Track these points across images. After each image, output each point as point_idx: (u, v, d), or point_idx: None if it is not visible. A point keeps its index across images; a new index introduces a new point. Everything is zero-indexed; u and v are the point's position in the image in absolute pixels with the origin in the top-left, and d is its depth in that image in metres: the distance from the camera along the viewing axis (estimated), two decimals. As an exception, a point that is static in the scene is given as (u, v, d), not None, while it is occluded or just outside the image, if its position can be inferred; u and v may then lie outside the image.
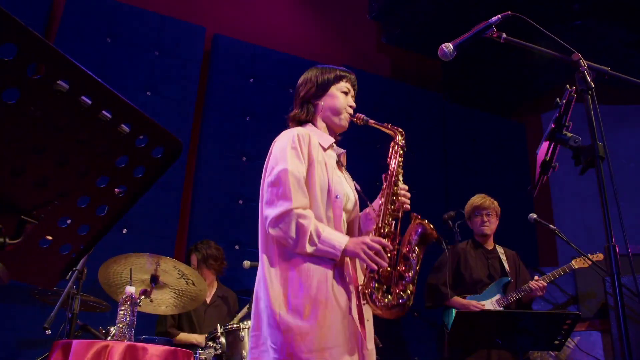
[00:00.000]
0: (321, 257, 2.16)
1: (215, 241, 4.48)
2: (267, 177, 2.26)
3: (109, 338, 3.08)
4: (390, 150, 2.45)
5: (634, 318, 4.05)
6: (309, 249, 2.12)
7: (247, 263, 4.15)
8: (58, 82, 0.92)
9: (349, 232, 2.40)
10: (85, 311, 3.62)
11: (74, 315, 3.06)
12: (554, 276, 4.31)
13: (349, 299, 2.19)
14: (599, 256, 4.26)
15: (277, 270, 2.18)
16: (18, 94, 0.90)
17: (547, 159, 1.78)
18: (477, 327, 3.23)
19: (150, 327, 4.19)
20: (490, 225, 4.39)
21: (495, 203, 4.46)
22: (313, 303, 2.09)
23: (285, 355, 2.05)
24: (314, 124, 2.47)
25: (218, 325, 3.56)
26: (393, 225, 2.30)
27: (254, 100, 5.60)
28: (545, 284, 4.17)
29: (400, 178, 2.40)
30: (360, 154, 5.17)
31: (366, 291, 2.20)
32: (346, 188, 2.39)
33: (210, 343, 3.51)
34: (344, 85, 2.51)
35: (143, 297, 3.26)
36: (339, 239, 2.16)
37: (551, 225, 4.17)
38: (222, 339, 3.48)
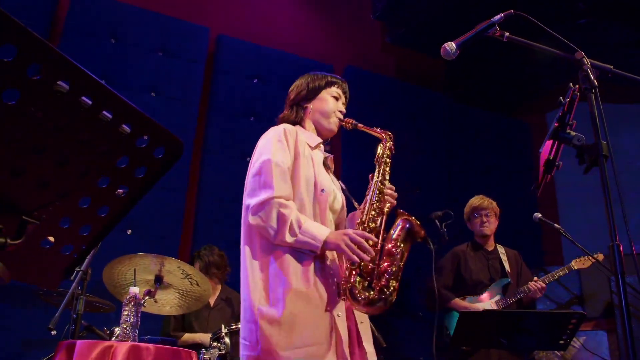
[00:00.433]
0: (303, 251, 2.12)
1: (219, 242, 4.46)
2: (251, 169, 2.25)
3: (113, 339, 3.09)
4: (379, 152, 2.45)
5: (638, 317, 4.03)
6: (289, 239, 2.08)
7: None
8: (58, 82, 0.93)
9: None
10: (90, 312, 3.62)
11: (79, 315, 3.07)
12: (553, 277, 4.30)
13: (332, 294, 2.13)
14: (599, 256, 4.23)
15: (258, 263, 2.14)
16: (18, 94, 0.90)
17: (551, 158, 1.78)
18: (482, 327, 3.22)
19: (154, 327, 4.19)
20: (490, 225, 4.39)
21: (494, 203, 4.44)
22: (293, 298, 2.04)
23: (260, 351, 2.00)
24: (303, 126, 2.48)
25: (222, 325, 3.55)
26: (379, 221, 2.26)
27: (258, 100, 5.60)
28: (544, 285, 4.16)
29: (388, 178, 2.38)
30: (357, 155, 5.16)
31: (347, 286, 2.12)
32: (333, 187, 2.37)
33: (215, 343, 3.51)
34: (334, 90, 2.52)
35: (147, 297, 3.27)
36: (320, 230, 2.11)
37: (555, 225, 4.14)
38: (227, 339, 3.48)
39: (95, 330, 3.32)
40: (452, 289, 4.33)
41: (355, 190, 2.59)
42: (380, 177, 2.36)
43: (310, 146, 2.35)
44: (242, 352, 2.09)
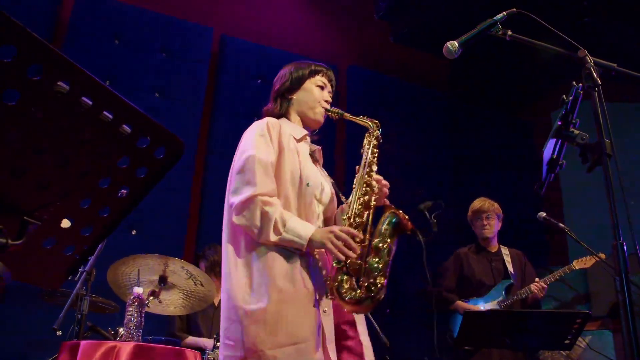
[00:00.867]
0: (288, 248, 2.08)
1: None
2: (234, 165, 2.20)
3: (117, 339, 3.10)
4: (364, 141, 2.37)
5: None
6: (273, 237, 2.03)
7: None
8: (58, 83, 0.93)
9: None
10: (95, 312, 3.63)
11: (83, 316, 3.07)
12: (554, 277, 4.29)
13: (318, 290, 2.09)
14: (601, 255, 4.21)
15: (242, 261, 2.10)
16: (18, 95, 0.90)
17: (554, 157, 1.77)
18: (486, 327, 3.21)
19: (159, 328, 4.20)
20: (491, 227, 4.40)
21: (496, 205, 4.44)
22: (278, 296, 2.00)
23: (245, 351, 1.96)
24: (288, 118, 2.42)
25: (227, 326, 3.55)
26: (365, 216, 2.18)
27: (262, 101, 5.58)
28: (545, 285, 4.17)
29: (374, 169, 2.30)
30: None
31: (334, 284, 2.07)
32: (321, 179, 2.30)
33: (219, 344, 3.51)
34: (319, 79, 2.46)
35: (151, 297, 3.27)
36: (305, 228, 2.06)
37: (560, 224, 4.13)
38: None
39: (99, 330, 3.32)
40: (456, 291, 4.34)
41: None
42: (366, 169, 2.28)
43: (295, 139, 2.30)
44: (224, 352, 2.03)
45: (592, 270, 4.84)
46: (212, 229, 5.02)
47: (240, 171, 2.12)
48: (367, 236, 2.15)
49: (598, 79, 1.68)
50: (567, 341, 3.22)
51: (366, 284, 2.06)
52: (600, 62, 1.75)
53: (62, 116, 0.96)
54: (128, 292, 3.37)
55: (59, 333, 3.01)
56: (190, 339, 4.08)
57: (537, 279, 4.21)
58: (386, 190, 2.28)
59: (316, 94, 2.42)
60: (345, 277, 2.07)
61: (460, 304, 4.23)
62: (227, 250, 2.17)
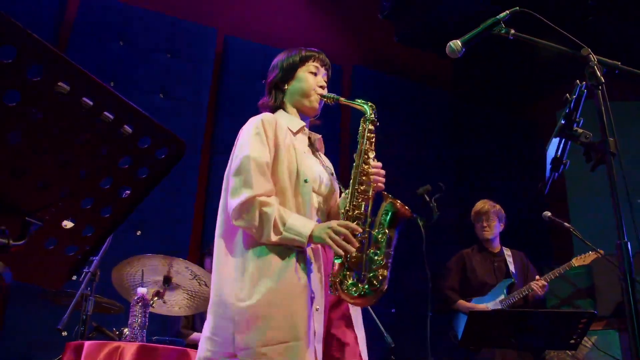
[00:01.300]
0: (288, 245, 2.05)
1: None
2: (231, 166, 2.18)
3: (121, 339, 3.10)
4: (360, 128, 2.31)
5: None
6: (274, 237, 2.01)
7: None
8: (59, 83, 0.93)
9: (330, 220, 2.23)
10: (99, 312, 3.64)
11: (88, 316, 3.08)
12: (554, 274, 4.29)
13: (313, 287, 2.06)
14: (600, 252, 4.19)
15: (234, 256, 2.08)
16: (19, 96, 0.90)
17: (558, 156, 1.76)
18: (491, 327, 3.20)
19: (163, 328, 4.20)
20: (491, 229, 4.43)
21: (497, 206, 4.46)
22: (271, 293, 1.97)
23: (234, 348, 1.93)
24: (285, 109, 2.37)
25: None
26: (363, 207, 2.15)
27: (266, 101, 5.59)
28: (545, 283, 4.19)
29: (371, 155, 2.24)
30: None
31: (336, 280, 2.05)
32: (320, 172, 2.26)
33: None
34: (311, 65, 2.41)
35: (156, 298, 3.28)
36: (305, 225, 2.03)
37: (565, 223, 4.12)
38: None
39: (104, 330, 3.33)
40: (459, 291, 4.37)
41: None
42: (363, 157, 2.23)
43: (292, 131, 2.26)
44: (210, 347, 1.99)
45: (598, 270, 4.83)
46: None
47: (237, 172, 2.10)
48: (367, 227, 2.12)
49: (602, 77, 1.67)
50: (572, 341, 3.21)
51: (368, 276, 2.05)
52: (603, 60, 1.74)
53: (62, 117, 0.96)
54: (132, 292, 3.38)
55: (64, 333, 3.01)
56: (195, 335, 4.09)
57: (537, 277, 4.22)
58: (381, 178, 2.22)
59: (310, 81, 2.37)
60: (347, 272, 2.06)
61: (463, 303, 4.25)
62: (218, 244, 2.16)
